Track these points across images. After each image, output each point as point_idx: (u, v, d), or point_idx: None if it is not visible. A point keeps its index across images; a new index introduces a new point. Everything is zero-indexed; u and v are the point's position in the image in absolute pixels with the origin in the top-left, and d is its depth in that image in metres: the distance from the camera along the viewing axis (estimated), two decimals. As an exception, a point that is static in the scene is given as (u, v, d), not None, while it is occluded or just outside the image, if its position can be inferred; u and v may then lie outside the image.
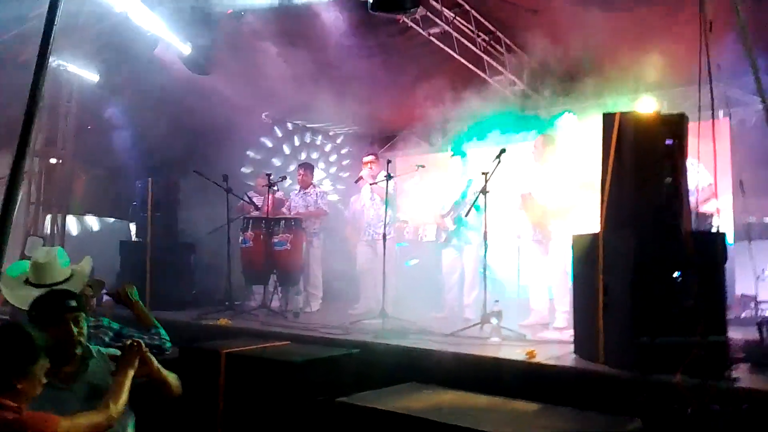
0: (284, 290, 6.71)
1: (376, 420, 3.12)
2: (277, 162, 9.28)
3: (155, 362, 2.42)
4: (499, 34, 7.20)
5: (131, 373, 2.30)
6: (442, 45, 6.79)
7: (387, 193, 5.68)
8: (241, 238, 6.67)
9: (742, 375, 3.24)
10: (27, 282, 2.77)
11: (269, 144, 9.33)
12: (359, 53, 6.44)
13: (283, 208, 7.20)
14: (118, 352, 2.40)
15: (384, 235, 5.60)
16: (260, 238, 6.55)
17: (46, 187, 7.20)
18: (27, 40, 6.54)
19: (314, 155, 9.64)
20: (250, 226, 6.65)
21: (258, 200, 7.22)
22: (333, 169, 9.85)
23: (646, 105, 6.97)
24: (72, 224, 7.64)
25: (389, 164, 5.65)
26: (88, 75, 6.36)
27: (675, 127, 3.52)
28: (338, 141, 9.78)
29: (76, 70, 6.34)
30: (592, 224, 5.47)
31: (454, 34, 6.66)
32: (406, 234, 7.92)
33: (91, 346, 2.47)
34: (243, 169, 7.89)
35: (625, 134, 3.56)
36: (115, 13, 5.53)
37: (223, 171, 6.45)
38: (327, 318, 6.11)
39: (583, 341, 3.78)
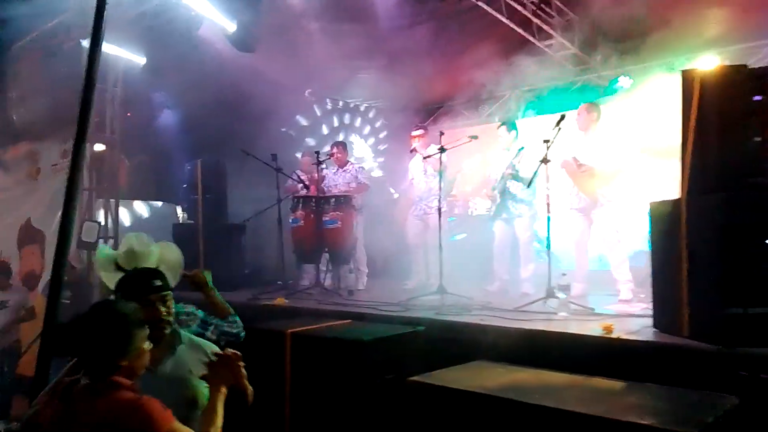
0: (335, 268, 6.67)
1: (451, 399, 3.01)
2: (311, 141, 9.16)
3: (245, 374, 2.20)
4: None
5: (225, 391, 2.08)
6: (489, 9, 6.51)
7: (441, 165, 5.51)
8: (291, 217, 6.62)
9: None
10: (117, 266, 2.72)
11: (304, 122, 9.20)
12: (405, 23, 6.23)
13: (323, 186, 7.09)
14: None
15: (439, 209, 5.45)
16: (311, 217, 6.49)
17: (96, 173, 7.26)
18: (66, 28, 6.58)
19: (353, 132, 9.49)
20: (300, 205, 6.59)
21: (303, 179, 7.15)
22: (371, 141, 9.66)
23: (709, 64, 6.59)
24: (122, 210, 7.71)
25: (442, 136, 5.47)
26: (134, 58, 6.32)
27: (763, 81, 3.24)
28: (373, 115, 9.57)
29: (121, 53, 6.30)
30: (649, 190, 5.27)
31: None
32: (456, 209, 7.76)
33: (182, 332, 2.40)
34: (297, 155, 7.76)
35: (707, 92, 3.30)
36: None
37: (267, 150, 6.38)
38: (381, 295, 6.03)
39: (663, 314, 3.59)
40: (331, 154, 6.87)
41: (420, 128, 6.59)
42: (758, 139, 3.20)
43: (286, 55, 6.58)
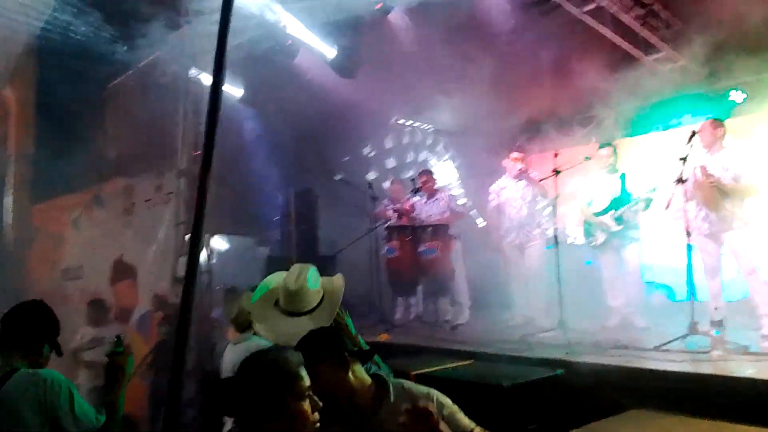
0: (434, 300, 6.33)
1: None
2: (390, 164, 8.91)
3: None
4: (655, 6, 6.44)
5: None
6: (594, 22, 6.14)
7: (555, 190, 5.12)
8: (386, 247, 6.36)
9: None
10: (276, 306, 2.47)
11: (389, 146, 8.99)
12: (505, 41, 5.95)
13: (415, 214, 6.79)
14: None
15: (555, 238, 5.04)
16: (407, 247, 6.22)
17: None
18: (162, 63, 6.65)
19: (435, 157, 9.19)
20: (395, 234, 6.32)
21: (391, 207, 6.88)
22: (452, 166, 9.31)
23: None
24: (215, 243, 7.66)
25: (556, 157, 5.09)
26: (231, 89, 6.30)
27: None
28: (452, 139, 9.26)
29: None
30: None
31: (609, 7, 5.99)
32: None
33: (392, 382, 2.06)
34: (385, 184, 7.49)
35: None
36: (254, 25, 5.39)
37: (351, 177, 6.20)
38: (486, 330, 5.65)
39: None
40: (422, 183, 6.59)
41: (520, 151, 6.20)
42: None
43: (377, 80, 6.41)
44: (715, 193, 4.61)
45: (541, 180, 5.54)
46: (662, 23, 6.58)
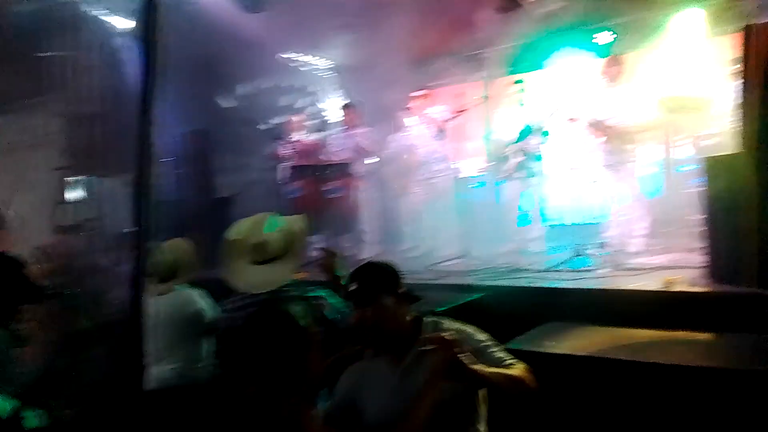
0: (338, 238, 6.47)
1: (558, 364, 2.98)
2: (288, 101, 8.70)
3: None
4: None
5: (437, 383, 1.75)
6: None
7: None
8: (288, 188, 6.34)
9: None
10: (245, 256, 2.47)
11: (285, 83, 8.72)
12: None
13: (325, 151, 6.82)
14: None
15: (460, 173, 5.36)
16: (311, 186, 6.25)
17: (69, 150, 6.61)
18: None
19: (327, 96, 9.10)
20: (299, 175, 6.31)
21: (290, 146, 6.79)
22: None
23: (689, 17, 6.75)
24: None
25: (458, 97, 5.34)
26: (121, 21, 5.64)
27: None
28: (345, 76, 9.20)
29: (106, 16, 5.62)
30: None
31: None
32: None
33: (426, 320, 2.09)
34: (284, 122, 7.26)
35: (773, 45, 3.34)
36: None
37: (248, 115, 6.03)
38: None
39: (723, 265, 3.68)
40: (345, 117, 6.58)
41: (423, 88, 6.39)
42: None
43: (275, 14, 6.16)
44: (609, 130, 5.15)
45: (448, 120, 5.78)
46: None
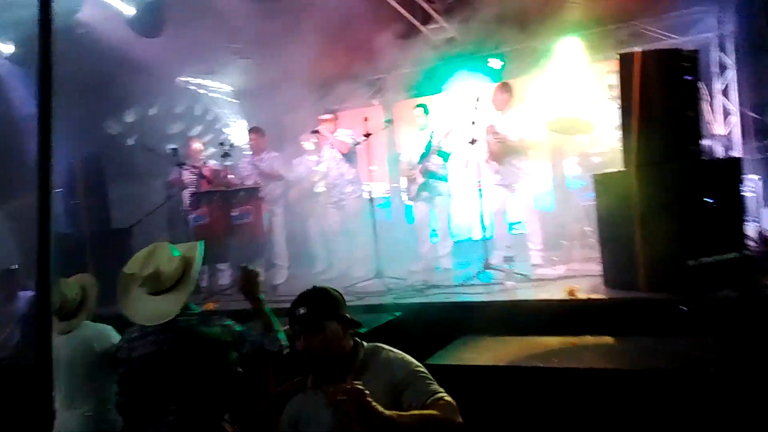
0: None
1: (476, 377, 3.11)
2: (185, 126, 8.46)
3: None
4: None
5: None
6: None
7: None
8: (192, 215, 6.13)
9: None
10: (141, 287, 2.36)
11: (178, 110, 8.48)
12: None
13: (231, 177, 6.67)
14: None
15: (370, 193, 5.45)
16: (217, 212, 6.08)
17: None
18: None
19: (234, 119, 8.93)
20: (203, 201, 6.12)
21: (186, 174, 6.58)
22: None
23: (570, 45, 7.37)
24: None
25: (366, 121, 5.46)
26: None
27: (691, 62, 3.76)
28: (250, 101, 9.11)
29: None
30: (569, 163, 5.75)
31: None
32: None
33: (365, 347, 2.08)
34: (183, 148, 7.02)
35: (648, 73, 3.74)
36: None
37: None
38: (304, 285, 5.85)
39: (616, 274, 4.01)
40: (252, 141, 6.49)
41: (328, 112, 6.46)
42: (691, 113, 3.71)
43: (172, 38, 5.99)
44: (503, 150, 5.46)
45: (356, 144, 5.88)
46: (438, -1, 7.31)
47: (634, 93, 3.79)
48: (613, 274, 4.06)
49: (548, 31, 7.40)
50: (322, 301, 2.00)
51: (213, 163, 6.91)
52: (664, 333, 3.34)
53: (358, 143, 5.66)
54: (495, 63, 8.01)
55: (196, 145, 6.82)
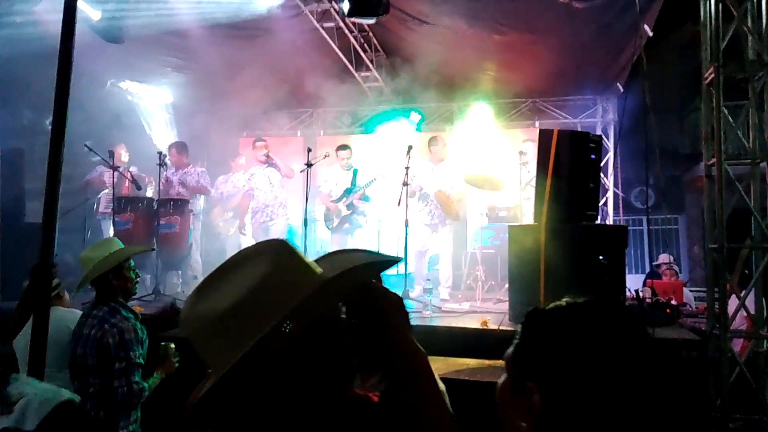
0: (165, 275, 6.40)
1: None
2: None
3: None
4: (371, 33, 7.80)
5: None
6: (326, 35, 7.13)
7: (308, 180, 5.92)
8: (116, 218, 6.12)
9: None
10: None
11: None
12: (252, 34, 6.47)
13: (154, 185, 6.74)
14: None
15: (305, 219, 5.83)
16: (141, 220, 6.14)
17: None
18: None
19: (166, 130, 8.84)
20: (129, 207, 6.15)
21: (108, 176, 6.55)
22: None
23: (481, 110, 8.37)
24: None
25: (310, 152, 5.89)
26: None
27: (596, 144, 4.66)
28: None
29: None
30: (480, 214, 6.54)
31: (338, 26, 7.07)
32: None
33: None
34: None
35: (561, 148, 4.57)
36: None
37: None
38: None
39: (521, 309, 4.73)
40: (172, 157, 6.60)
41: (263, 139, 6.80)
42: (592, 185, 4.59)
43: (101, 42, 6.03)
44: (442, 196, 6.15)
45: (287, 171, 6.32)
46: (372, 50, 7.99)
47: (550, 162, 4.60)
48: (518, 310, 4.77)
49: (464, 95, 8.38)
50: None
51: (134, 170, 6.93)
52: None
53: (302, 171, 6.05)
54: (414, 117, 8.84)
55: (122, 150, 6.81)
